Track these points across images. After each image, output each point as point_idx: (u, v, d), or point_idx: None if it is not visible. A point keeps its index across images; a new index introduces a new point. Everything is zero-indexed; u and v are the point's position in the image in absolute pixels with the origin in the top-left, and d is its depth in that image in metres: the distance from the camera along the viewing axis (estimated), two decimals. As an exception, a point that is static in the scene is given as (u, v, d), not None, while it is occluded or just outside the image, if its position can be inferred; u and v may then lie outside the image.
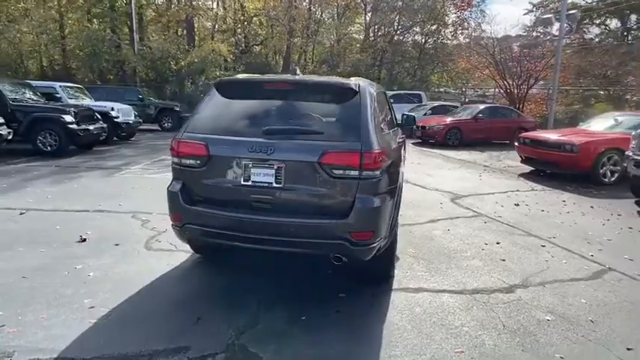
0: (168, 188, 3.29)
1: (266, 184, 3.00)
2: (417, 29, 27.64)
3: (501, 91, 20.33)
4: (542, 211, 6.21)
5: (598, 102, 20.81)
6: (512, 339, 2.84)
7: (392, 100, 6.03)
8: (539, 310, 3.25)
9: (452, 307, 3.25)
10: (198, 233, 3.22)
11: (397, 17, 26.66)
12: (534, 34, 23.68)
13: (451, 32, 27.71)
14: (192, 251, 4.06)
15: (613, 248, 4.69)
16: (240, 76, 3.84)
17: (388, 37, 27.11)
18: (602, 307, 3.32)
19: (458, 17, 27.00)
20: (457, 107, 16.92)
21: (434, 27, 26.88)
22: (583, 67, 19.08)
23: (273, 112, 3.28)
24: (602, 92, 21.82)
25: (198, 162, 3.13)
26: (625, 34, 27.06)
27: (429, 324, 3.00)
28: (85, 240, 4.40)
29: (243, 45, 27.82)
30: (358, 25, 30.08)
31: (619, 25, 28.07)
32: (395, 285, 3.61)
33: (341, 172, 2.90)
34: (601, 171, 7.93)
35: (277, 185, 2.98)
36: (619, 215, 6.06)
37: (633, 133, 6.83)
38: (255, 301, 3.24)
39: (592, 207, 6.54)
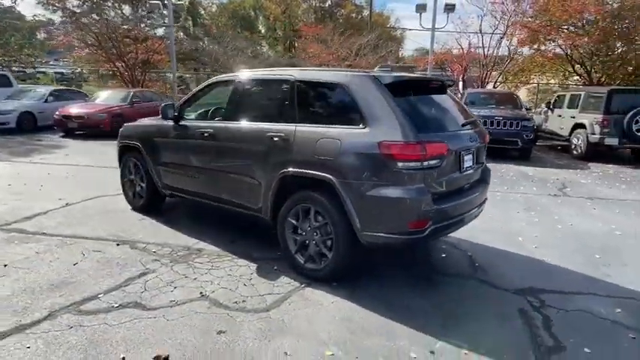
0: (405, 197, 2.98)
1: (470, 168, 3.52)
2: None
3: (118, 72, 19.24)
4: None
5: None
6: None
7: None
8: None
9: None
10: (438, 231, 3.20)
11: None
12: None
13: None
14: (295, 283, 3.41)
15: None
16: (395, 74, 3.43)
17: None
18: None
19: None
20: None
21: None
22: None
23: (440, 105, 3.56)
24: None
25: (438, 160, 3.11)
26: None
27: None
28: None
29: None
30: None
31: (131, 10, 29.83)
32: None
33: (485, 146, 3.90)
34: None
35: (474, 166, 3.57)
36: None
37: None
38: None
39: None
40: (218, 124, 4.17)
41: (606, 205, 6.18)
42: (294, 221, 3.56)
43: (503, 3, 14.33)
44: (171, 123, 4.61)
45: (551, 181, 7.76)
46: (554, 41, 13.60)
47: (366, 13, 36.92)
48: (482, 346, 2.65)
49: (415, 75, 3.81)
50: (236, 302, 3.14)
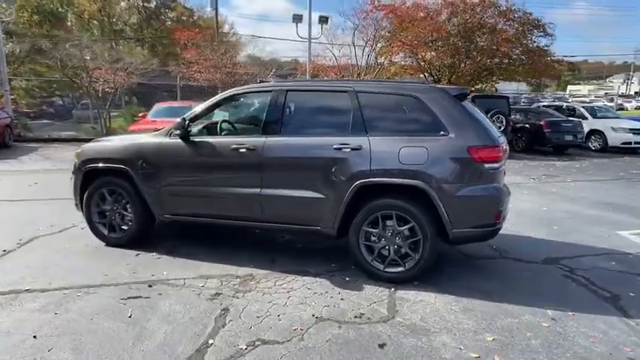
0: (492, 194, 3.44)
1: None
2: None
3: None
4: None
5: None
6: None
7: None
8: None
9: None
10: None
11: None
12: None
13: None
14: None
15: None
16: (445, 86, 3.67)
17: None
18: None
19: None
20: None
21: None
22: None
23: (480, 113, 4.07)
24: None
25: (504, 160, 3.66)
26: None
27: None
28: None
29: None
30: None
31: None
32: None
33: None
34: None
35: None
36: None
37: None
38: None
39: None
40: (259, 138, 3.89)
41: (514, 189, 7.74)
42: (370, 229, 3.65)
43: (365, 18, 16.10)
44: (176, 140, 4.10)
45: (456, 173, 9.25)
46: (415, 54, 15.95)
47: (197, 16, 35.88)
48: (574, 306, 3.28)
49: (465, 87, 4.25)
50: (356, 317, 3.11)
